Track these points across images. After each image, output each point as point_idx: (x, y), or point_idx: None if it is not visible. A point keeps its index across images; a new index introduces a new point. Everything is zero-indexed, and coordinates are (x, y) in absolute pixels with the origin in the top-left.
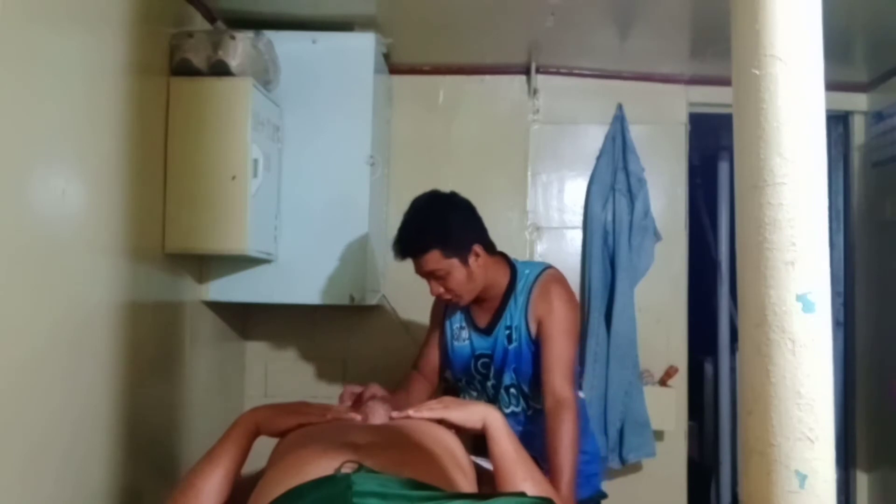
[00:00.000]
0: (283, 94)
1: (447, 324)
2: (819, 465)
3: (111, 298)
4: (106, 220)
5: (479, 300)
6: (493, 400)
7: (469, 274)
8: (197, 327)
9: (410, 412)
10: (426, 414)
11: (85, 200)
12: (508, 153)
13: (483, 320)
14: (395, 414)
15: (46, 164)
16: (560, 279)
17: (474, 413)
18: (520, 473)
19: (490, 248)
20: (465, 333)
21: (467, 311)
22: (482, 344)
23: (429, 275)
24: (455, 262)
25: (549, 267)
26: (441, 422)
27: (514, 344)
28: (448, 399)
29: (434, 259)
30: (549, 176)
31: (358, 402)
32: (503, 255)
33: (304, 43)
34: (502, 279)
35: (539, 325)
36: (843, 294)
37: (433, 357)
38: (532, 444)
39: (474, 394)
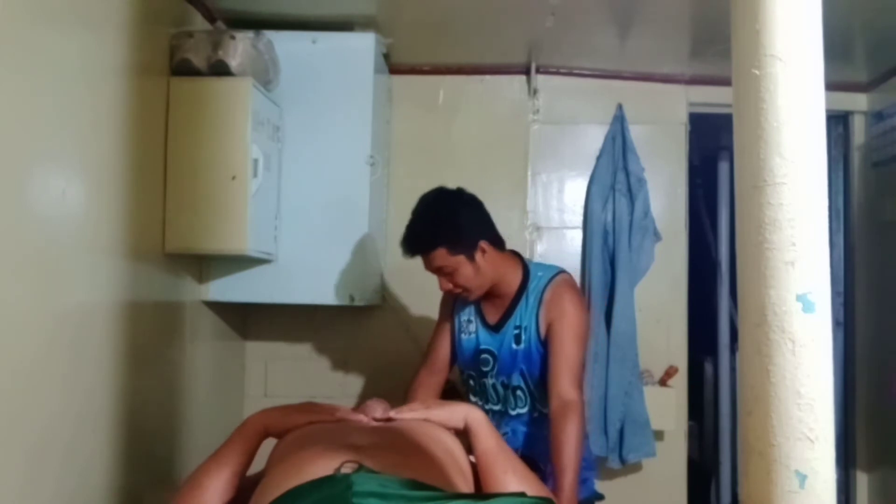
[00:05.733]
0: (283, 94)
1: (456, 316)
2: (819, 465)
3: (111, 298)
4: (106, 220)
5: (490, 296)
6: (498, 401)
7: (476, 269)
8: (197, 327)
9: (392, 413)
10: (408, 415)
11: (85, 200)
12: (508, 153)
13: (493, 317)
14: (378, 414)
15: (46, 164)
16: (573, 285)
17: (456, 412)
18: (500, 465)
19: (498, 243)
20: (472, 327)
21: (478, 306)
22: (488, 340)
23: (437, 271)
24: (462, 258)
25: (562, 271)
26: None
27: (523, 346)
28: (430, 400)
29: (441, 256)
30: (549, 176)
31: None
32: (516, 254)
33: (304, 43)
34: (514, 277)
35: (549, 327)
36: (843, 294)
37: (442, 349)
38: (535, 446)
39: (475, 398)
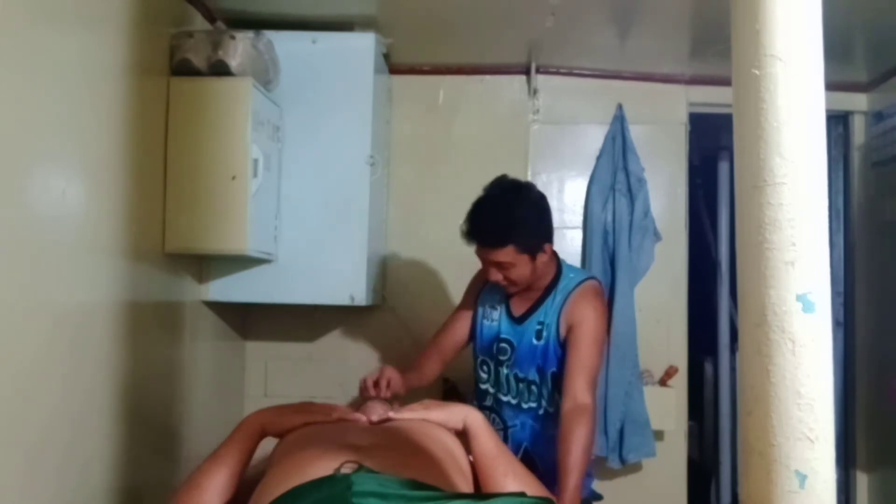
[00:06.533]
0: (283, 94)
1: (480, 303)
2: (819, 465)
3: (111, 298)
4: (106, 220)
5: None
6: (508, 391)
7: (534, 269)
8: (197, 327)
9: (391, 414)
10: (407, 415)
11: (85, 200)
12: (508, 153)
13: (519, 309)
14: (374, 417)
15: (46, 164)
16: (599, 292)
17: (455, 413)
18: (500, 468)
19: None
20: (496, 315)
21: (505, 296)
22: (509, 330)
23: (493, 263)
24: (526, 258)
25: (592, 277)
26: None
27: (543, 342)
28: (429, 401)
29: (507, 253)
30: (549, 176)
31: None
32: (553, 253)
33: (304, 43)
34: (548, 275)
35: (569, 330)
36: (843, 294)
37: (457, 330)
38: (538, 443)
39: (486, 386)
